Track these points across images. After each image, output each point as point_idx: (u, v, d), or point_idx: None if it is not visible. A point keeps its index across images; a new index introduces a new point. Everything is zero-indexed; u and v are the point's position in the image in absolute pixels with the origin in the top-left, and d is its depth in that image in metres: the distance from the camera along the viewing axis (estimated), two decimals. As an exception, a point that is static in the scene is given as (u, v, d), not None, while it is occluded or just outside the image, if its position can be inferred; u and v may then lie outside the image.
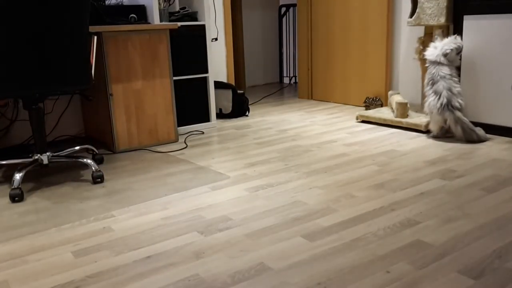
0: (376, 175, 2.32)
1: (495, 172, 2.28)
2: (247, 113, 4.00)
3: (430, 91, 2.86)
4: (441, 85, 2.81)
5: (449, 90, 2.79)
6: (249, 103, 4.49)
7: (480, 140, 2.81)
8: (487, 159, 2.49)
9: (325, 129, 3.38)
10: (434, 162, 2.48)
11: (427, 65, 2.95)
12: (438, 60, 2.86)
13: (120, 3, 3.19)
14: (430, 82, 2.86)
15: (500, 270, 1.41)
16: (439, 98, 2.80)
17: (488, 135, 2.93)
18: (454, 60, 2.89)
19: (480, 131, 2.82)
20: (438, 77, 2.83)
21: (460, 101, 2.80)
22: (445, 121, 2.84)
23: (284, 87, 5.77)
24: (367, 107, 3.92)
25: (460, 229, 1.69)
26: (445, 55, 2.86)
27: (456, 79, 2.85)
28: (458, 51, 2.90)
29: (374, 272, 1.42)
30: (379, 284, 1.35)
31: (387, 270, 1.43)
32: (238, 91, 3.90)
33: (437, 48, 2.90)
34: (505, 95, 2.88)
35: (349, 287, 1.35)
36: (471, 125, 2.79)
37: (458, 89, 2.82)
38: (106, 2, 3.09)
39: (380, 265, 1.46)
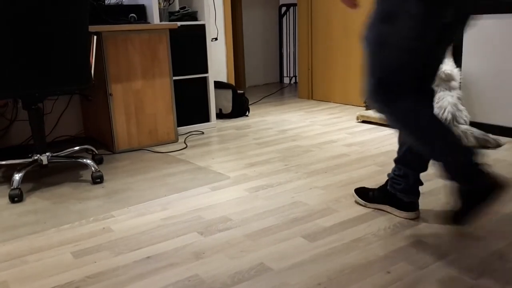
0: (376, 175, 2.32)
1: (496, 172, 2.28)
2: (247, 113, 4.00)
3: (435, 109, 2.82)
4: (446, 101, 2.76)
5: (455, 105, 2.75)
6: (249, 103, 4.49)
7: (498, 145, 2.70)
8: (487, 159, 2.49)
9: (325, 129, 3.37)
10: (435, 162, 2.47)
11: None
12: (444, 88, 2.83)
13: (120, 3, 3.18)
14: (436, 101, 2.82)
15: (500, 270, 1.40)
16: (443, 113, 2.73)
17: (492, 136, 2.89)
18: (455, 82, 2.86)
19: (492, 136, 2.73)
20: (445, 95, 2.79)
21: (465, 118, 2.75)
22: None
23: (284, 87, 5.77)
24: (368, 107, 3.91)
25: (460, 230, 1.68)
26: (443, 79, 2.84)
27: (461, 101, 2.81)
28: (453, 76, 2.87)
29: (374, 273, 1.42)
30: (380, 285, 1.35)
31: (387, 271, 1.43)
32: (238, 91, 3.90)
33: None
34: (505, 94, 2.88)
35: (350, 288, 1.35)
36: (482, 132, 2.72)
37: (463, 108, 2.78)
38: (106, 2, 3.09)
39: (381, 266, 1.46)
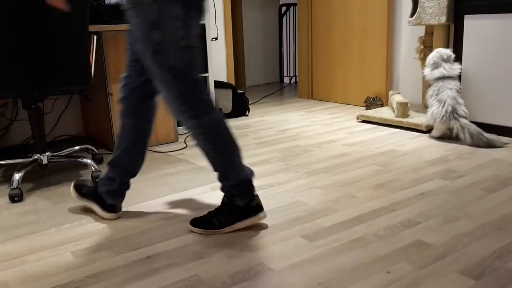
0: (376, 175, 2.32)
1: (496, 172, 2.28)
2: (247, 113, 4.00)
3: (434, 101, 2.83)
4: (445, 94, 2.78)
5: (454, 99, 2.77)
6: (249, 102, 4.49)
7: (490, 146, 2.69)
8: (487, 159, 2.49)
9: (325, 129, 3.37)
10: (434, 162, 2.47)
11: (433, 82, 2.91)
12: (443, 75, 2.84)
13: (120, 3, 3.18)
14: (435, 93, 2.83)
15: (500, 270, 1.40)
16: (443, 106, 2.76)
17: (492, 136, 2.87)
18: (454, 67, 2.88)
19: (492, 136, 2.72)
20: (444, 87, 2.81)
21: (464, 110, 2.77)
22: (450, 129, 2.81)
23: (284, 86, 5.77)
24: (368, 107, 3.92)
25: (460, 229, 1.68)
26: (445, 59, 2.87)
27: (460, 94, 2.83)
28: (451, 57, 2.91)
29: (374, 273, 1.42)
30: (380, 285, 1.35)
31: (387, 271, 1.43)
32: (238, 91, 3.90)
33: (435, 63, 2.90)
34: (505, 94, 2.88)
35: (350, 288, 1.35)
36: (478, 130, 2.72)
37: (462, 101, 2.81)
38: (106, 1, 3.09)
39: (381, 266, 1.46)
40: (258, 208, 1.74)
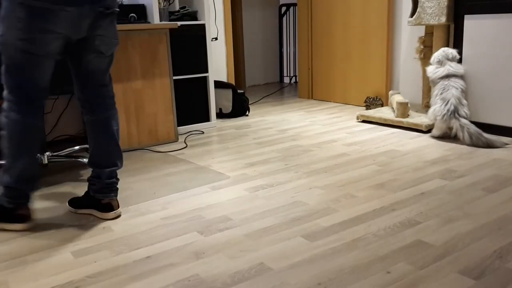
0: (376, 175, 2.32)
1: (496, 172, 2.28)
2: (247, 113, 4.00)
3: (438, 99, 2.83)
4: (450, 93, 2.78)
5: (458, 99, 2.78)
6: (249, 102, 4.49)
7: (489, 146, 2.69)
8: (487, 159, 2.49)
9: (325, 129, 3.37)
10: (434, 162, 2.47)
11: (438, 81, 2.91)
12: (450, 73, 2.84)
13: (120, 3, 3.18)
14: (441, 92, 2.83)
15: (500, 270, 1.40)
16: (446, 105, 2.77)
17: (492, 137, 2.87)
18: (459, 66, 2.89)
19: (491, 136, 2.73)
20: (450, 86, 2.81)
21: (466, 111, 2.78)
22: (449, 128, 2.82)
23: (284, 86, 5.77)
24: (368, 107, 3.92)
25: (460, 229, 1.68)
26: (450, 59, 2.88)
27: (464, 94, 2.83)
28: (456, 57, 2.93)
29: (374, 273, 1.42)
30: (380, 285, 1.35)
31: (387, 271, 1.43)
32: (238, 91, 3.90)
33: (440, 61, 2.90)
34: (505, 94, 2.88)
35: (350, 288, 1.35)
36: (478, 130, 2.72)
37: (466, 102, 2.81)
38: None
39: (381, 265, 1.46)
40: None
